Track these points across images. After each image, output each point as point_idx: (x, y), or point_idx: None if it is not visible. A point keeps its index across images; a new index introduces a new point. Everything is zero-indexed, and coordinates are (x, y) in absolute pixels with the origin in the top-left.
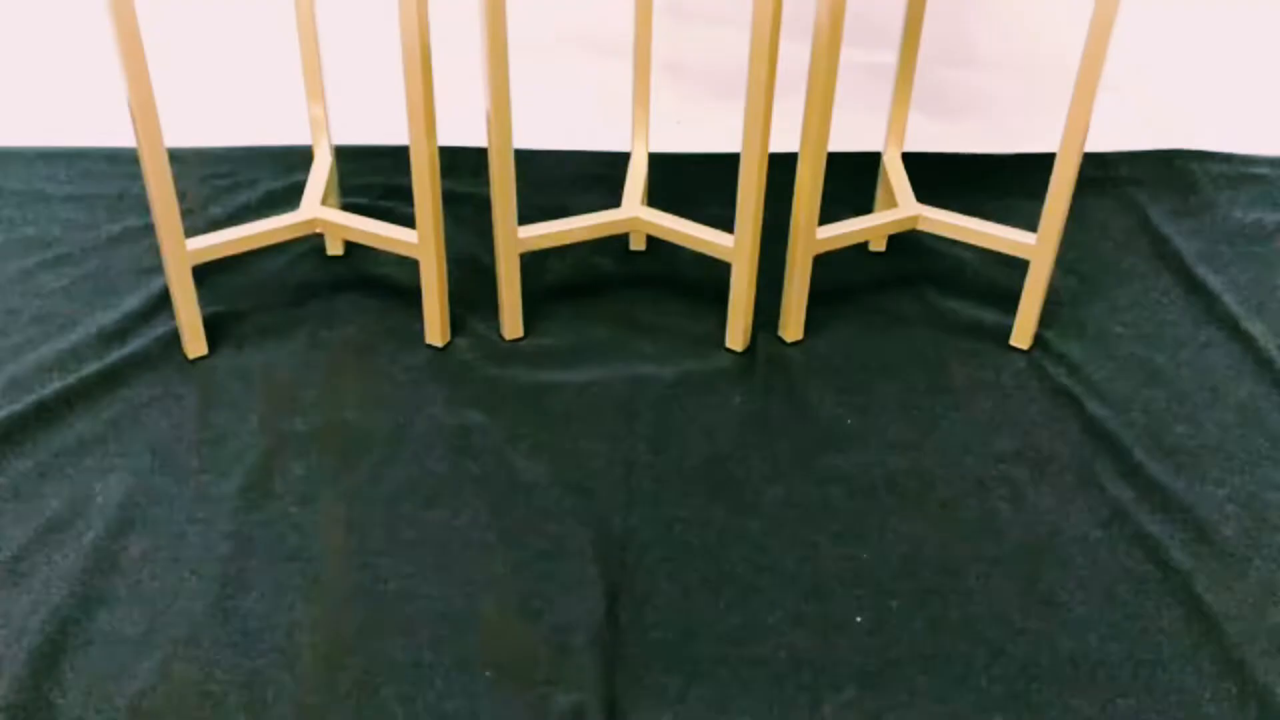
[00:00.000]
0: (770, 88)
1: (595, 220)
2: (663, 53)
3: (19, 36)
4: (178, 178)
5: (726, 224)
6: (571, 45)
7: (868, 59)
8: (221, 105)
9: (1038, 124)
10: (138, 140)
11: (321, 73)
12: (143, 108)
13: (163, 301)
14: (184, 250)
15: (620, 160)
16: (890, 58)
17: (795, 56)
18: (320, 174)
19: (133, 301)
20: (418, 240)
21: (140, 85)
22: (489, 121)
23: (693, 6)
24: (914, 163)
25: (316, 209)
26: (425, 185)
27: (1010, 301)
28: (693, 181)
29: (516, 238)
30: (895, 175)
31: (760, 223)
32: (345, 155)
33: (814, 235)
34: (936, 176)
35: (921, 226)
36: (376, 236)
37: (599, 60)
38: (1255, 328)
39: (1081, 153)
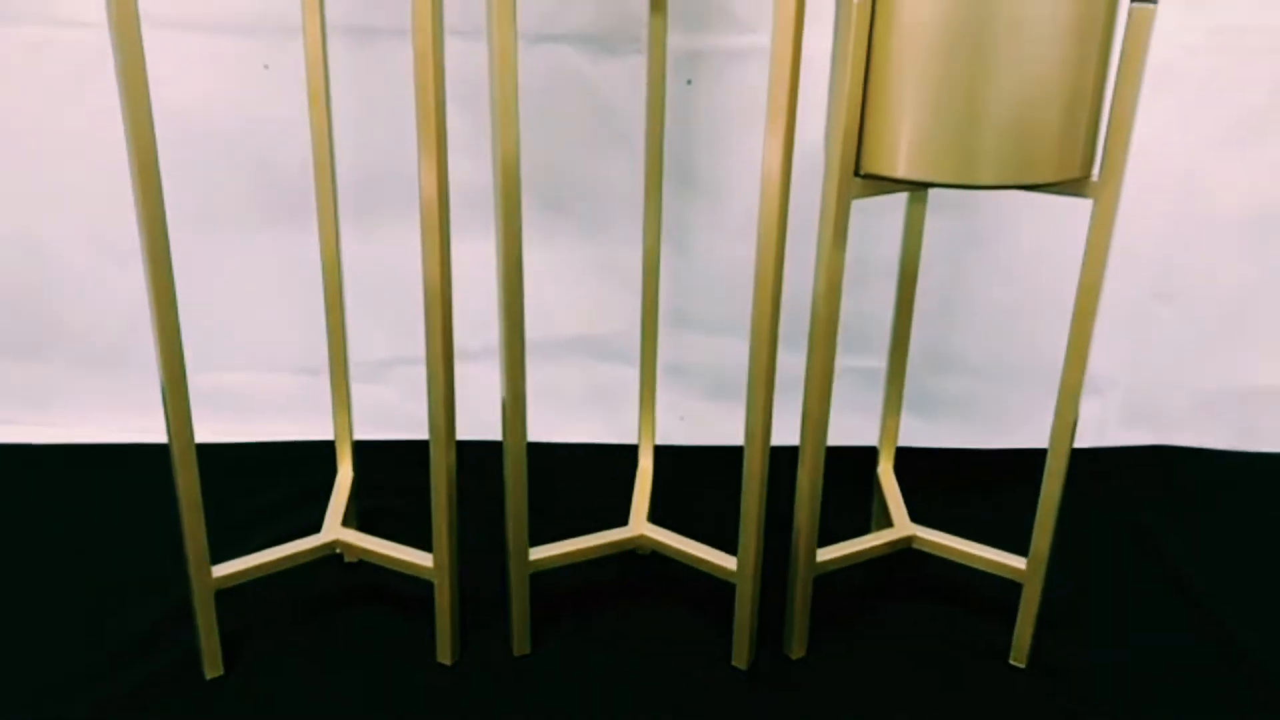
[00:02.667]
0: (768, 399)
1: (603, 539)
2: (667, 356)
3: (39, 329)
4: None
5: (727, 518)
6: (580, 348)
7: (859, 364)
8: (246, 400)
9: (1023, 421)
10: (175, 468)
11: (349, 386)
12: (178, 425)
13: (181, 614)
14: (210, 577)
15: (626, 452)
16: (880, 363)
17: (792, 363)
18: (341, 492)
19: (151, 612)
20: (433, 565)
21: (178, 396)
22: (507, 455)
23: (695, 315)
24: (906, 457)
25: (337, 530)
26: (442, 515)
27: (1007, 611)
28: (696, 473)
29: (528, 559)
30: (890, 492)
31: (761, 546)
32: (360, 448)
33: (814, 558)
34: (928, 473)
35: (916, 546)
36: (394, 560)
37: (606, 362)
38: (1247, 634)
39: (1065, 473)
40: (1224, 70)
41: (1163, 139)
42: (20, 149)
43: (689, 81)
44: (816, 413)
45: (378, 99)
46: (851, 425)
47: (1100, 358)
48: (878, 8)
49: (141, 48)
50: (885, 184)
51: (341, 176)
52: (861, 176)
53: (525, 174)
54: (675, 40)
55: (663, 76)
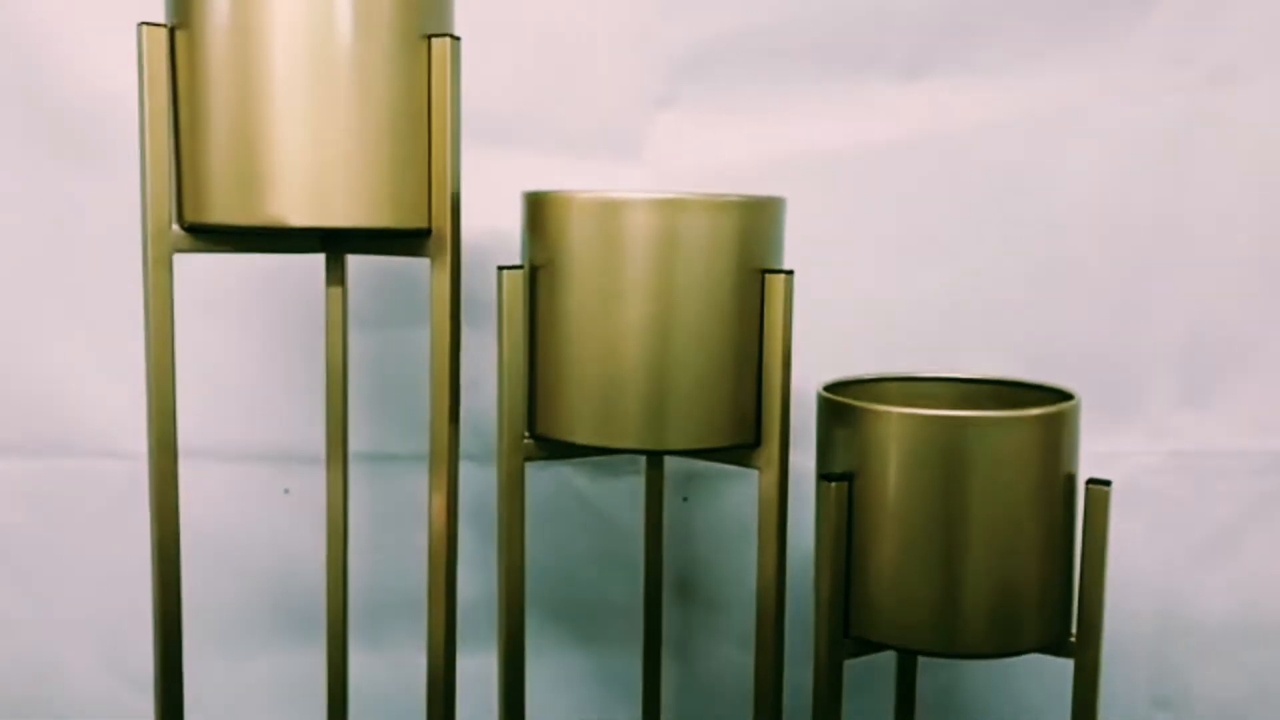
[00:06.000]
0: None
1: None
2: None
3: None
4: None
5: None
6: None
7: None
8: None
9: None
10: None
11: None
12: None
13: None
14: None
15: None
16: None
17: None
18: None
19: None
20: None
21: None
22: None
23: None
24: None
25: None
26: None
27: None
28: None
29: None
30: None
31: None
32: None
33: None
34: None
35: None
36: None
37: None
38: None
39: None
40: (1190, 489)
41: (1139, 553)
42: (50, 573)
43: (685, 498)
44: None
45: (392, 519)
46: None
47: None
48: (855, 491)
49: (176, 478)
50: (873, 646)
51: (352, 595)
52: (850, 638)
53: (528, 586)
54: (671, 463)
55: (660, 494)
